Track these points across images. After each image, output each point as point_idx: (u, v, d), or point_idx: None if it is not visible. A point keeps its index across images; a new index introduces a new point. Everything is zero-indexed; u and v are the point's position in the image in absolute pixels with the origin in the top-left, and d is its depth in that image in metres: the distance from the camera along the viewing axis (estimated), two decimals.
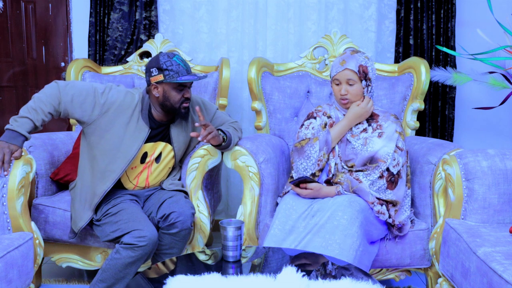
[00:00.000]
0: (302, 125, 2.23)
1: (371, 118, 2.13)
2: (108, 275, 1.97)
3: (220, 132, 2.14)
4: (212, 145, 2.14)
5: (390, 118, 2.12)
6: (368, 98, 2.10)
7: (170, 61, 2.04)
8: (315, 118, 2.22)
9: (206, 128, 2.03)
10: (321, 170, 2.09)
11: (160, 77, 2.05)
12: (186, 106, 2.12)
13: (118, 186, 2.17)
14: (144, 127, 2.11)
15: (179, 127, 2.21)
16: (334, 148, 2.11)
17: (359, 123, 2.12)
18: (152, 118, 2.15)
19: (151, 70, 2.07)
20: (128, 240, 1.92)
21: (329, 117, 2.20)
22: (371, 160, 2.04)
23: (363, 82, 2.08)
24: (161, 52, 2.11)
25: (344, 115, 2.15)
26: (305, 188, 2.01)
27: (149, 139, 2.14)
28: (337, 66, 2.11)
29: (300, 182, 2.01)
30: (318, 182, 2.04)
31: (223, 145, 2.14)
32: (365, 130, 2.10)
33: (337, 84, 2.12)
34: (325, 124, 2.18)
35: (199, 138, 2.02)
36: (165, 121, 2.17)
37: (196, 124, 2.05)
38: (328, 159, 2.10)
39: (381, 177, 2.01)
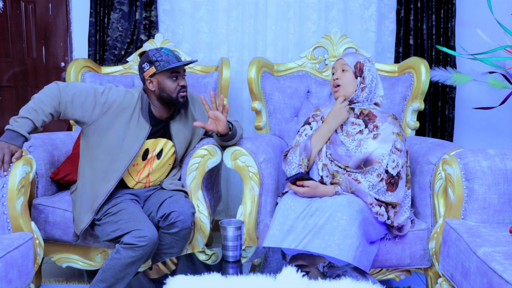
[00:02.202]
0: (298, 131, 2.26)
1: (369, 119, 2.13)
2: (108, 275, 1.97)
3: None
4: (218, 134, 2.13)
5: (387, 119, 2.11)
6: (342, 99, 2.12)
7: (159, 53, 2.10)
8: (309, 123, 2.24)
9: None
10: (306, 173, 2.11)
11: (152, 70, 2.09)
12: (183, 95, 2.13)
13: (120, 185, 2.18)
14: (145, 124, 2.12)
15: (179, 123, 2.22)
16: (321, 150, 2.13)
17: (356, 124, 2.12)
18: (152, 116, 2.16)
19: (143, 66, 2.12)
20: (128, 240, 1.92)
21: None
22: (366, 162, 2.04)
23: (358, 78, 2.12)
24: (149, 49, 2.16)
25: None
26: (302, 186, 2.01)
27: (150, 136, 2.15)
28: (338, 58, 2.22)
29: (296, 180, 2.02)
30: (314, 180, 2.04)
31: (230, 134, 2.13)
32: (361, 131, 2.10)
33: (333, 74, 2.18)
34: None
35: (201, 126, 2.07)
36: (165, 118, 2.19)
37: (195, 123, 2.08)
38: (309, 164, 2.11)
39: (380, 180, 2.01)
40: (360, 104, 2.14)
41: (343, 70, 2.14)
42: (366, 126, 2.11)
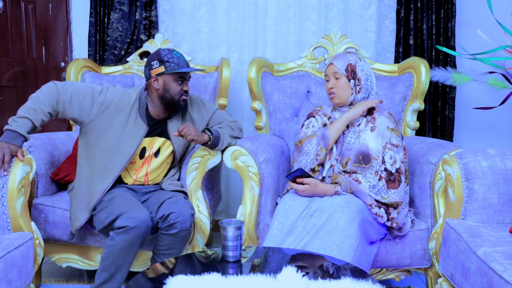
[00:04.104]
0: (303, 125, 2.24)
1: (368, 111, 2.13)
2: (108, 264, 1.99)
3: (206, 131, 2.16)
4: (201, 144, 2.16)
5: (383, 113, 2.12)
6: (360, 103, 2.10)
7: (171, 54, 2.12)
8: (314, 117, 2.23)
9: (184, 129, 2.07)
10: (321, 164, 2.09)
11: (161, 69, 2.10)
12: (185, 99, 2.16)
13: (117, 182, 2.18)
14: (142, 124, 2.13)
15: (176, 123, 2.22)
16: (332, 149, 2.11)
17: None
18: (149, 116, 2.17)
19: (152, 63, 2.13)
20: (120, 223, 1.94)
21: (329, 118, 2.21)
22: (364, 157, 2.03)
23: (351, 81, 2.11)
24: (160, 48, 2.17)
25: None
26: (302, 183, 2.00)
27: (146, 135, 2.16)
28: (328, 62, 2.19)
29: (296, 177, 2.01)
30: (314, 178, 2.03)
31: (209, 144, 2.15)
32: (359, 124, 2.11)
33: (327, 80, 2.17)
34: (325, 125, 2.19)
35: (175, 134, 2.09)
36: (162, 117, 2.19)
37: (174, 134, 2.10)
38: (326, 154, 2.09)
39: (379, 179, 2.00)
40: (356, 103, 2.13)
41: (336, 78, 2.12)
42: (365, 116, 2.12)
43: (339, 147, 2.11)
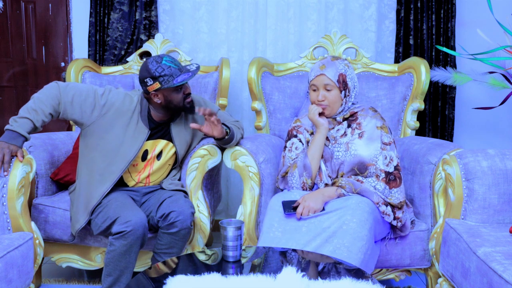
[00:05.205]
0: (285, 147, 2.17)
1: (351, 117, 2.09)
2: (111, 268, 1.99)
3: (222, 125, 2.14)
4: (215, 138, 2.14)
5: (368, 113, 2.07)
6: (314, 106, 2.04)
7: (161, 67, 2.03)
8: (296, 136, 2.16)
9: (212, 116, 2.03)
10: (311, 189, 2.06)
11: (157, 85, 2.05)
12: (189, 101, 2.15)
13: (119, 184, 2.18)
14: (143, 128, 2.12)
15: (179, 124, 2.22)
16: (320, 169, 2.06)
17: (339, 124, 2.08)
18: (151, 119, 2.16)
19: (146, 80, 2.07)
20: (117, 229, 1.94)
21: (311, 133, 2.15)
22: (360, 166, 2.00)
23: (342, 92, 2.05)
24: (147, 59, 2.09)
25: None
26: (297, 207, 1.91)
27: (148, 138, 2.15)
28: (315, 70, 2.07)
29: (293, 208, 1.92)
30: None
31: (226, 138, 2.13)
32: (345, 133, 2.06)
33: (314, 90, 2.08)
34: (308, 142, 2.13)
35: (197, 128, 2.05)
36: (164, 120, 2.18)
37: (197, 110, 2.02)
38: (312, 181, 2.04)
39: (380, 180, 1.97)
40: (343, 112, 2.10)
41: (327, 90, 2.04)
42: (349, 126, 2.07)
43: (329, 165, 2.07)
